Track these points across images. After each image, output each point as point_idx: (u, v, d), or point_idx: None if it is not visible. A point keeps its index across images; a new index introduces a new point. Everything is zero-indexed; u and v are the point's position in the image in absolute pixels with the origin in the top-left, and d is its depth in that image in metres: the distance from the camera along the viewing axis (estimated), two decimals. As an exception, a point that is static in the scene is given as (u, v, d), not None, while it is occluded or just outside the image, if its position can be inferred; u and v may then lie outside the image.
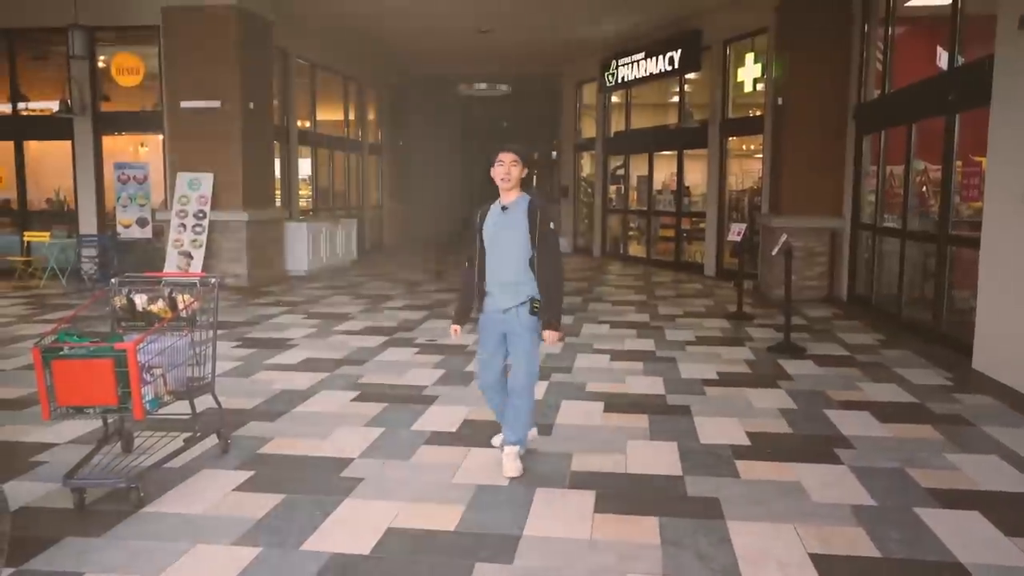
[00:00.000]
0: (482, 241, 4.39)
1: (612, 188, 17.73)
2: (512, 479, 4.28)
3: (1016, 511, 3.95)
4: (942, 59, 8.29)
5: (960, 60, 7.73)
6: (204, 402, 4.64)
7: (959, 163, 7.70)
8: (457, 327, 4.56)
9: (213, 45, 11.82)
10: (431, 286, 12.44)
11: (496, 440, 4.79)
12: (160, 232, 12.53)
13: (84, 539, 3.58)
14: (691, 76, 14.74)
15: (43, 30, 13.18)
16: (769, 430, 5.20)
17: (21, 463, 4.52)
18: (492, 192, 4.45)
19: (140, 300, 4.37)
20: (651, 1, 13.36)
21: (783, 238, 7.91)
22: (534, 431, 4.79)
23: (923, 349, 7.70)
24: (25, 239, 13.21)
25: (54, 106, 12.98)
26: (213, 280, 4.57)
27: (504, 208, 4.36)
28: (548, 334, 4.30)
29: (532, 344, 4.35)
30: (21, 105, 13.78)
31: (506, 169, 4.30)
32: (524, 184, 4.44)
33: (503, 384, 4.49)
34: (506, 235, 4.31)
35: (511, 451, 4.40)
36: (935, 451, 4.80)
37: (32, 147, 14.06)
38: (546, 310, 4.29)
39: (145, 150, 14.47)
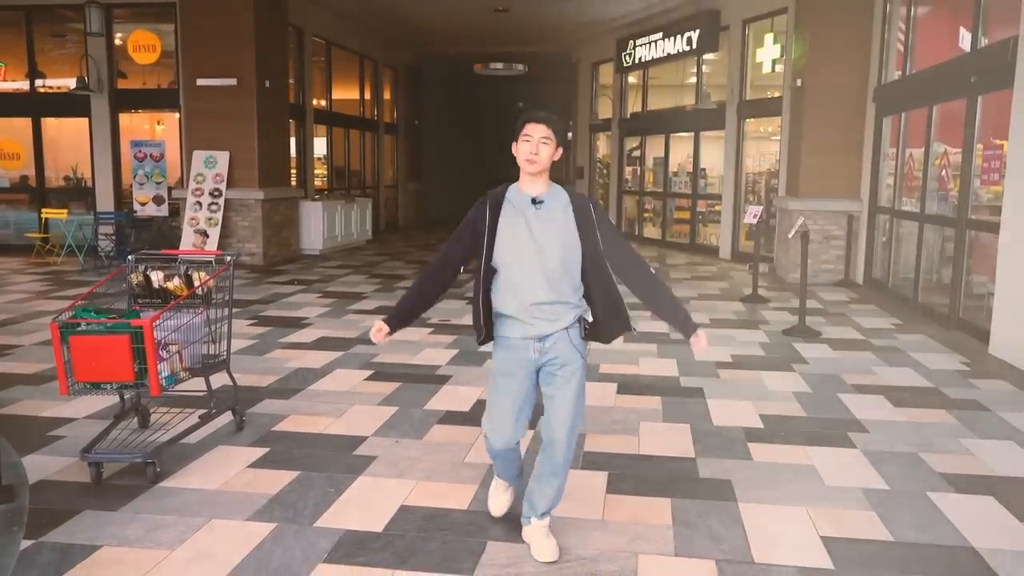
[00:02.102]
0: (491, 244, 3.15)
1: (628, 169, 17.63)
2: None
3: (1031, 497, 3.92)
4: (965, 40, 8.16)
5: (983, 41, 7.61)
6: (219, 379, 4.67)
7: (980, 146, 7.60)
8: (385, 328, 3.23)
9: (229, 23, 11.82)
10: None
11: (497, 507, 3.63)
12: (176, 210, 12.60)
13: (101, 512, 3.62)
14: (709, 57, 14.58)
15: (60, 7, 13.27)
16: (783, 413, 5.18)
17: (39, 437, 4.58)
18: (506, 176, 3.30)
19: (156, 277, 4.40)
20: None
21: (800, 221, 7.87)
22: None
23: (939, 334, 7.64)
24: (43, 216, 13.30)
25: (71, 83, 13.06)
26: (229, 258, 4.60)
27: (536, 202, 3.16)
28: (700, 338, 3.20)
29: (584, 378, 3.25)
30: (39, 82, 13.87)
31: (533, 147, 3.13)
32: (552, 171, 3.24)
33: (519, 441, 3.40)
34: (545, 238, 3.11)
35: (542, 525, 3.34)
36: (950, 436, 4.77)
37: (49, 124, 14.15)
38: (682, 315, 3.27)
39: (161, 128, 14.53)
